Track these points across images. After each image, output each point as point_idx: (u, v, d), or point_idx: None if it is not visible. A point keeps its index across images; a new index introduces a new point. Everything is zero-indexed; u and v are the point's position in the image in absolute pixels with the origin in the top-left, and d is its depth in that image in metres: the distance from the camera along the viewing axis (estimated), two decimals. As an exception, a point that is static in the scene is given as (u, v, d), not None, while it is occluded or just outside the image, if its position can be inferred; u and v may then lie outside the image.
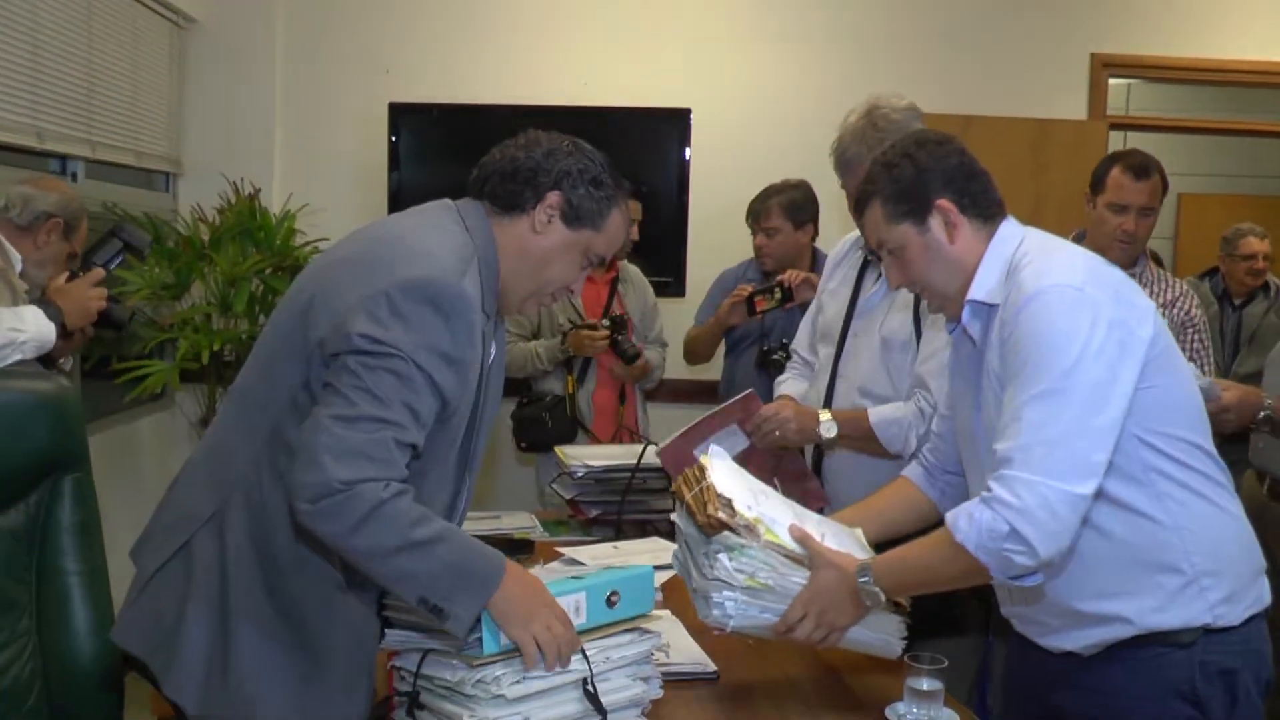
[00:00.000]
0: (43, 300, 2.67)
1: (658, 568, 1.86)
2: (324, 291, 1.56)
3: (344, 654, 1.58)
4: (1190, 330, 2.86)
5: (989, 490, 1.54)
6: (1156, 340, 1.63)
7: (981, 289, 1.69)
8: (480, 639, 1.49)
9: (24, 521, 2.14)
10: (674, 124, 4.16)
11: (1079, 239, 2.92)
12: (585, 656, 1.56)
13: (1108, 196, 2.86)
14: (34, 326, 2.58)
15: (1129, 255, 2.88)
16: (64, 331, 2.68)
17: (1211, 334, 3.06)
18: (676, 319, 4.24)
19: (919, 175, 1.73)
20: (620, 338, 3.54)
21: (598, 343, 3.53)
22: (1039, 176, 4.33)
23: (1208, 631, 1.64)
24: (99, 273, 2.80)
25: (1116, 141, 4.81)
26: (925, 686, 1.64)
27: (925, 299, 1.88)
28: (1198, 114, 5.73)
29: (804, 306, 2.96)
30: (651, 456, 2.77)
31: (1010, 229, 1.75)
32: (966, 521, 1.55)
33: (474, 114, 4.14)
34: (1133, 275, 2.80)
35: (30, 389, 2.19)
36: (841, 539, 1.82)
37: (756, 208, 3.65)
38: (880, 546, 1.91)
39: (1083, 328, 1.55)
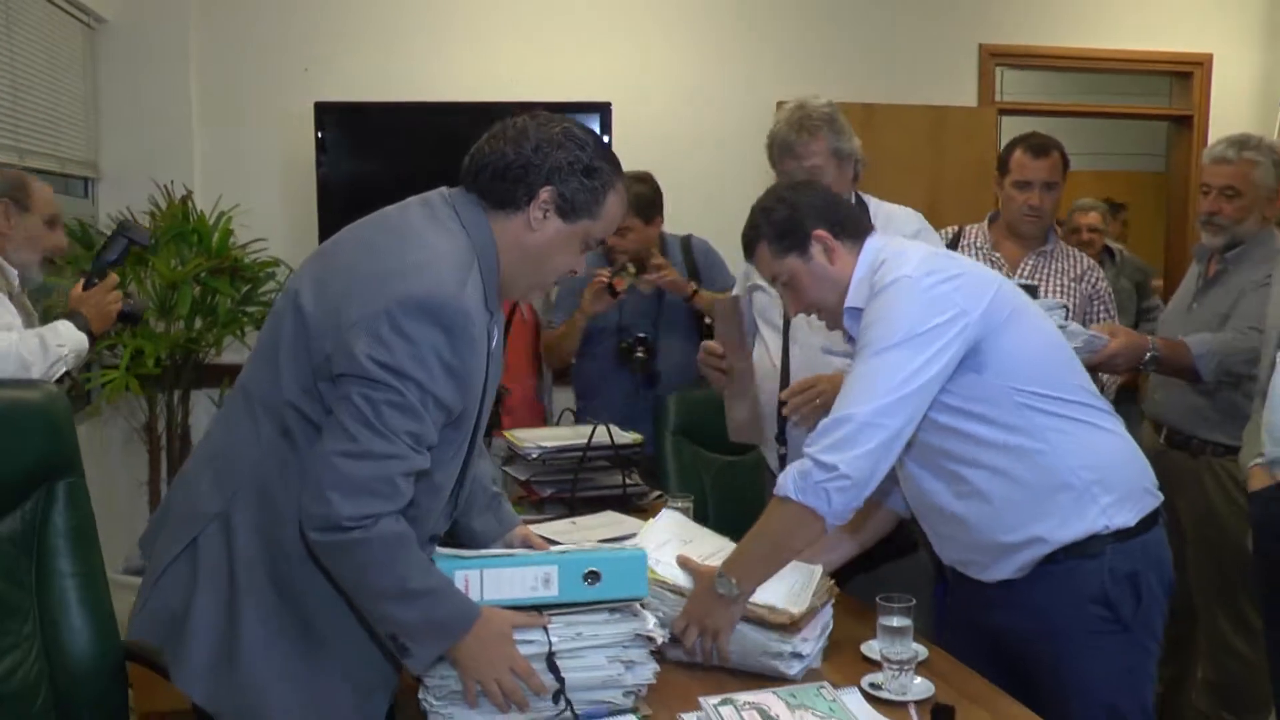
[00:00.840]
0: (71, 313, 2.77)
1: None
2: (325, 300, 1.57)
3: (351, 647, 1.63)
4: (1097, 301, 3.12)
5: (807, 442, 1.80)
6: (1000, 309, 1.87)
7: (856, 297, 1.95)
8: None
9: (21, 528, 2.17)
10: (595, 117, 4.26)
11: (993, 219, 3.19)
12: (546, 631, 1.63)
13: (1013, 176, 3.10)
14: (71, 339, 2.71)
15: (1037, 228, 3.12)
16: (93, 336, 2.82)
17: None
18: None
19: (794, 214, 1.98)
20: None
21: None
22: (936, 160, 4.59)
23: (1110, 540, 1.89)
24: (114, 278, 2.88)
25: (1005, 126, 5.12)
26: (896, 624, 1.83)
27: (822, 319, 2.08)
28: (1063, 98, 6.09)
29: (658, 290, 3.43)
30: (601, 436, 2.95)
31: (874, 243, 2.01)
32: (784, 477, 1.82)
33: (398, 112, 4.16)
34: (1044, 251, 3.10)
35: (21, 398, 2.23)
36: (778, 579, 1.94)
37: None
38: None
39: (915, 309, 1.81)
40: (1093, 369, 2.62)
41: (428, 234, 1.60)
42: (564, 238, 1.66)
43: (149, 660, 2.21)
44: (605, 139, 4.18)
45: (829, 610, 1.99)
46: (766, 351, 2.66)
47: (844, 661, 1.94)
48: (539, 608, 1.66)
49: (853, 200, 2.67)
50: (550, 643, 1.64)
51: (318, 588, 1.61)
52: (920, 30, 4.85)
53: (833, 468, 1.75)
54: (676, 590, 1.90)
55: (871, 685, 1.82)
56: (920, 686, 1.78)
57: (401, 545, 1.53)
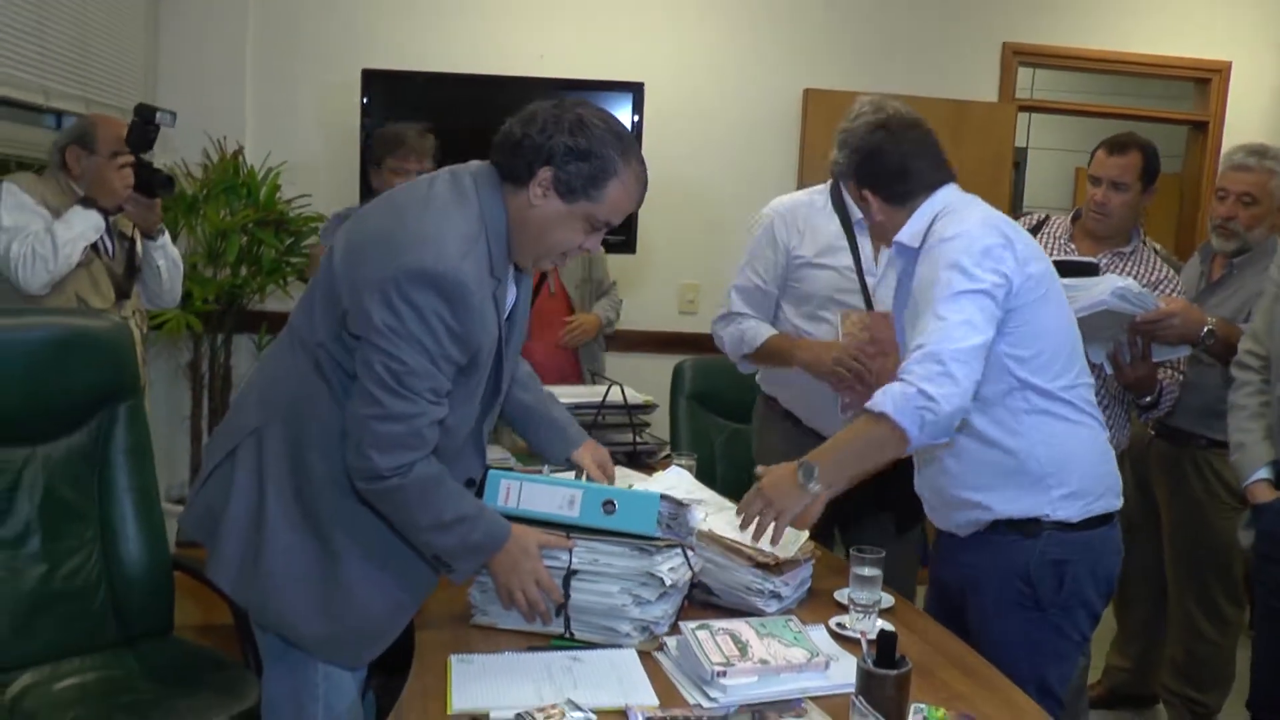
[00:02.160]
0: (82, 199, 2.95)
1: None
2: (350, 260, 1.75)
3: (364, 561, 1.81)
4: None
5: (903, 370, 1.96)
6: (1037, 286, 2.05)
7: (907, 236, 2.16)
8: None
9: (87, 443, 2.44)
10: (628, 96, 4.43)
11: (1076, 215, 3.23)
12: (570, 552, 1.89)
13: (1089, 170, 3.12)
14: (80, 224, 2.91)
15: (1103, 226, 3.07)
16: (107, 211, 3.01)
17: None
18: (629, 273, 4.63)
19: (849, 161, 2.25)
20: None
21: None
22: (955, 152, 4.51)
23: (1050, 527, 2.10)
24: (117, 157, 3.03)
25: (1023, 122, 5.25)
26: (867, 572, 2.03)
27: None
28: (1092, 99, 6.20)
29: None
30: (615, 395, 3.17)
31: (944, 194, 2.17)
32: (883, 395, 1.95)
33: (439, 82, 4.33)
34: (1121, 252, 3.08)
35: (90, 326, 2.49)
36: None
37: None
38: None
39: (971, 263, 1.99)
40: (1149, 335, 2.76)
41: (446, 205, 1.75)
42: (563, 216, 1.78)
43: (195, 571, 2.47)
44: (635, 119, 4.37)
45: (809, 567, 2.21)
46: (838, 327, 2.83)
47: (817, 605, 2.16)
48: (562, 527, 1.92)
49: None
50: (570, 562, 1.89)
51: (335, 509, 1.81)
52: (945, 26, 4.98)
53: (932, 398, 1.90)
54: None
55: (838, 625, 2.04)
56: (879, 628, 1.98)
57: (435, 484, 1.77)
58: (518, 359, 2.12)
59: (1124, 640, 3.72)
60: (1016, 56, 5.08)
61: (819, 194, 2.98)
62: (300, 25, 4.48)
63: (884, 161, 2.19)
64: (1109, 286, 2.60)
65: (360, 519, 1.82)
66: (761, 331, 2.92)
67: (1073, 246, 3.10)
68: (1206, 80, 5.28)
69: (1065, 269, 2.45)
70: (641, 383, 3.43)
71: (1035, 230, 3.14)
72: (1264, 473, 2.59)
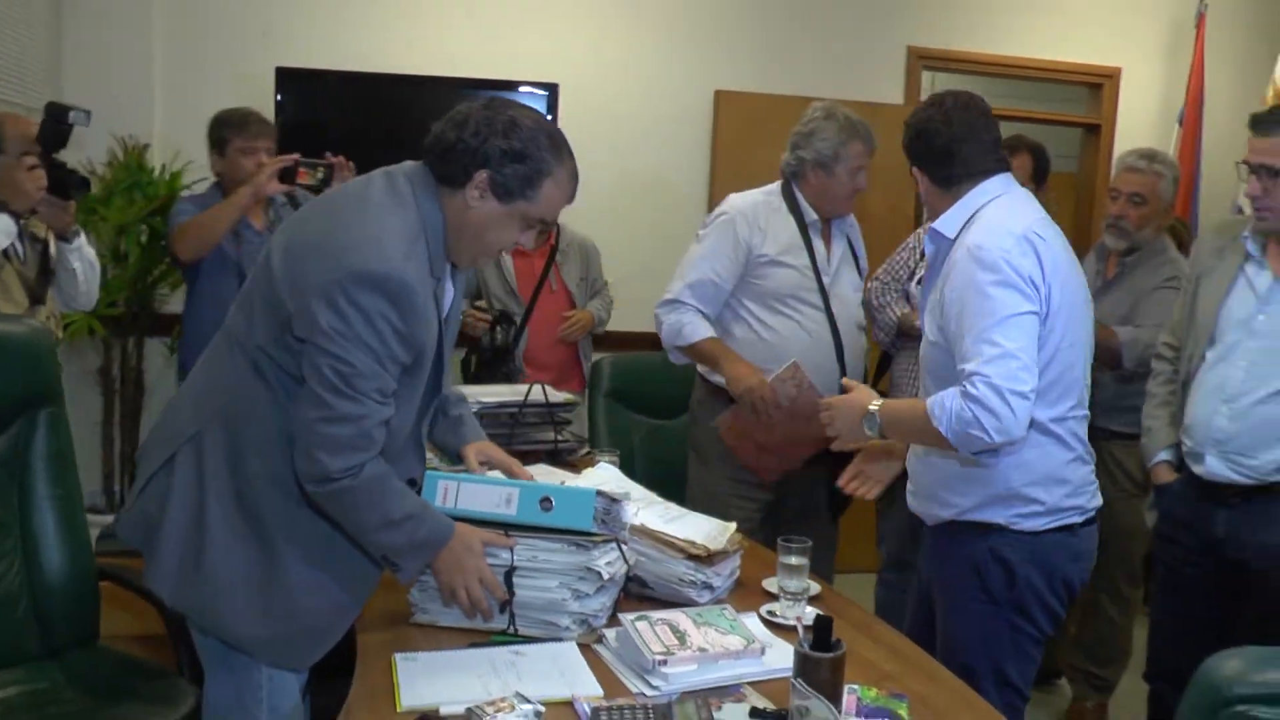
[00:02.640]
0: None
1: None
2: (290, 264, 1.75)
3: (306, 563, 1.81)
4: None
5: (963, 388, 2.01)
6: (1056, 307, 2.10)
7: (945, 225, 2.22)
8: None
9: (6, 450, 2.39)
10: (543, 96, 4.46)
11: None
12: (512, 551, 1.92)
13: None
14: None
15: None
16: (18, 214, 2.90)
17: None
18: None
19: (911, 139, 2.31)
20: (499, 327, 3.92)
21: (478, 324, 3.88)
22: None
23: (1009, 531, 2.19)
24: (26, 157, 2.91)
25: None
26: (794, 561, 2.11)
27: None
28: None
29: None
30: (536, 394, 3.21)
31: (992, 186, 2.22)
32: (939, 409, 2.03)
33: (355, 81, 4.31)
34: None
35: (8, 331, 2.43)
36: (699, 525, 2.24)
37: None
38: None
39: (1022, 283, 2.05)
40: None
41: (384, 208, 1.77)
42: (500, 217, 1.81)
43: (124, 579, 2.43)
44: (550, 118, 4.40)
45: (737, 558, 2.27)
46: (801, 325, 3.01)
47: (746, 594, 2.23)
48: (501, 525, 1.94)
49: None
50: (511, 559, 1.93)
51: (276, 511, 1.81)
52: (852, 29, 5.11)
53: (986, 430, 1.98)
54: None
55: (768, 612, 2.11)
56: (810, 614, 2.06)
57: (383, 483, 1.78)
58: (449, 358, 2.14)
59: None
60: (921, 60, 5.24)
61: (773, 195, 3.12)
62: (210, 22, 4.41)
63: (931, 141, 2.24)
64: None
65: (301, 521, 1.82)
66: (699, 330, 3.04)
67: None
68: (1099, 85, 5.52)
69: None
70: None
71: None
72: (1165, 455, 2.74)
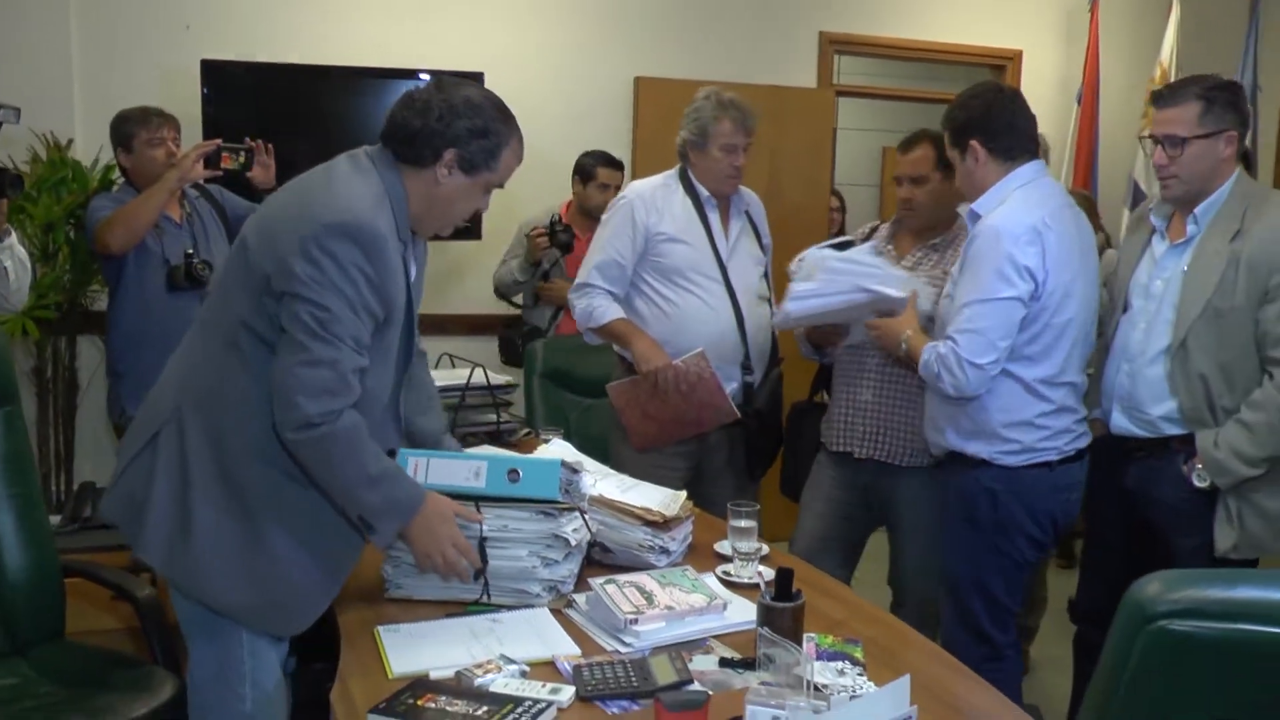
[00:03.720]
0: None
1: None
2: (265, 235, 1.86)
3: (290, 534, 1.88)
4: None
5: (946, 341, 2.52)
6: (1065, 290, 2.52)
7: (982, 203, 2.61)
8: None
9: (-37, 452, 2.37)
10: (469, 86, 4.51)
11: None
12: (481, 523, 2.01)
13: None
14: None
15: (915, 220, 3.03)
16: None
17: None
18: (472, 259, 4.75)
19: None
20: (559, 230, 4.19)
21: (539, 239, 4.21)
22: (778, 137, 4.99)
23: (986, 464, 2.59)
24: None
25: (842, 106, 5.61)
26: (743, 524, 2.25)
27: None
28: (895, 83, 6.62)
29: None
30: (478, 377, 3.31)
31: (1028, 170, 2.61)
32: (925, 354, 2.55)
33: (282, 72, 4.31)
34: (934, 246, 3.11)
35: (-37, 333, 2.42)
36: (652, 493, 2.39)
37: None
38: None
39: (1013, 270, 2.46)
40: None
41: (350, 175, 1.91)
42: (467, 189, 1.97)
43: (90, 574, 2.46)
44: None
45: (689, 524, 2.40)
46: (703, 300, 3.15)
47: (701, 558, 2.36)
48: (471, 498, 2.03)
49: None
50: (482, 530, 2.02)
51: (259, 485, 1.89)
52: (767, 16, 5.26)
53: (944, 384, 2.51)
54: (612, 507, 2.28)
55: (724, 573, 2.24)
56: (767, 572, 2.20)
57: (360, 435, 1.86)
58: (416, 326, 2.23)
59: None
60: (833, 45, 5.42)
61: (671, 178, 3.28)
62: (130, 16, 4.37)
63: (997, 116, 2.60)
64: (875, 287, 2.78)
65: (285, 493, 1.89)
66: (609, 312, 3.19)
67: (890, 246, 3.09)
68: (1001, 67, 5.77)
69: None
70: (492, 365, 3.57)
71: (866, 239, 3.22)
72: (1096, 413, 2.89)
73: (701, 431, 3.15)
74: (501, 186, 2.04)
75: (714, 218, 3.22)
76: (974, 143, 2.60)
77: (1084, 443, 2.68)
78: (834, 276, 2.77)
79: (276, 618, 1.93)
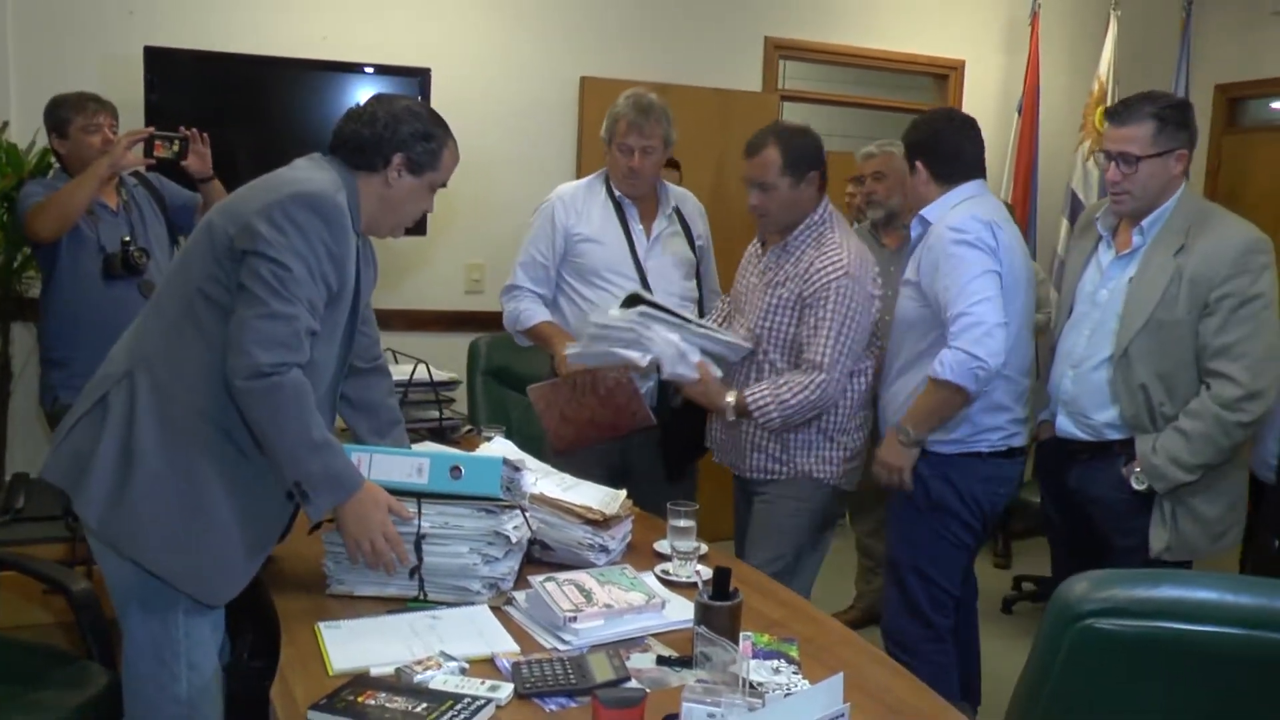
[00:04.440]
0: None
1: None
2: (230, 209, 1.97)
3: (228, 496, 1.92)
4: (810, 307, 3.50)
5: (950, 335, 2.62)
6: (1009, 282, 2.70)
7: (931, 211, 2.83)
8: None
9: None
10: (415, 81, 4.49)
11: None
12: (419, 517, 2.04)
13: None
14: None
15: (766, 226, 2.96)
16: None
17: None
18: (419, 255, 4.74)
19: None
20: None
21: None
22: (723, 140, 5.03)
23: (924, 453, 2.81)
24: None
25: (787, 111, 5.66)
26: (683, 524, 2.28)
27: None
28: (838, 88, 6.66)
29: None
30: (421, 374, 3.32)
31: (972, 187, 2.84)
32: (941, 365, 2.63)
33: (225, 62, 4.25)
34: (782, 249, 3.18)
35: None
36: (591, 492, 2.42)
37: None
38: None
39: (987, 249, 2.66)
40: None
41: (309, 168, 2.06)
42: (415, 189, 2.14)
43: (20, 566, 2.43)
44: (421, 100, 4.44)
45: (629, 523, 2.43)
46: (617, 298, 3.04)
47: (639, 557, 2.39)
48: (413, 494, 2.04)
49: (658, 181, 3.29)
50: (419, 526, 2.02)
51: (204, 445, 1.92)
52: (713, 20, 5.30)
53: (980, 358, 2.58)
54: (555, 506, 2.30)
55: (663, 571, 2.27)
56: (705, 571, 2.23)
57: (307, 396, 1.91)
58: (368, 322, 2.32)
59: (869, 571, 4.28)
60: (778, 50, 5.47)
61: (597, 180, 3.34)
62: (70, 1, 4.29)
63: (941, 142, 2.85)
64: (621, 352, 2.84)
65: (228, 456, 1.94)
66: (535, 315, 3.26)
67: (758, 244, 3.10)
68: (945, 76, 5.86)
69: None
70: (435, 361, 3.57)
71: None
72: (1044, 415, 2.99)
73: (618, 435, 3.13)
74: (444, 185, 2.20)
75: (633, 217, 3.26)
76: (919, 163, 2.83)
77: (1017, 442, 2.81)
78: (590, 344, 2.87)
79: (207, 583, 1.94)
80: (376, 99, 2.14)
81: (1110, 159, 2.68)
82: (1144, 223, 2.70)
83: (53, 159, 3.70)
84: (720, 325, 3.09)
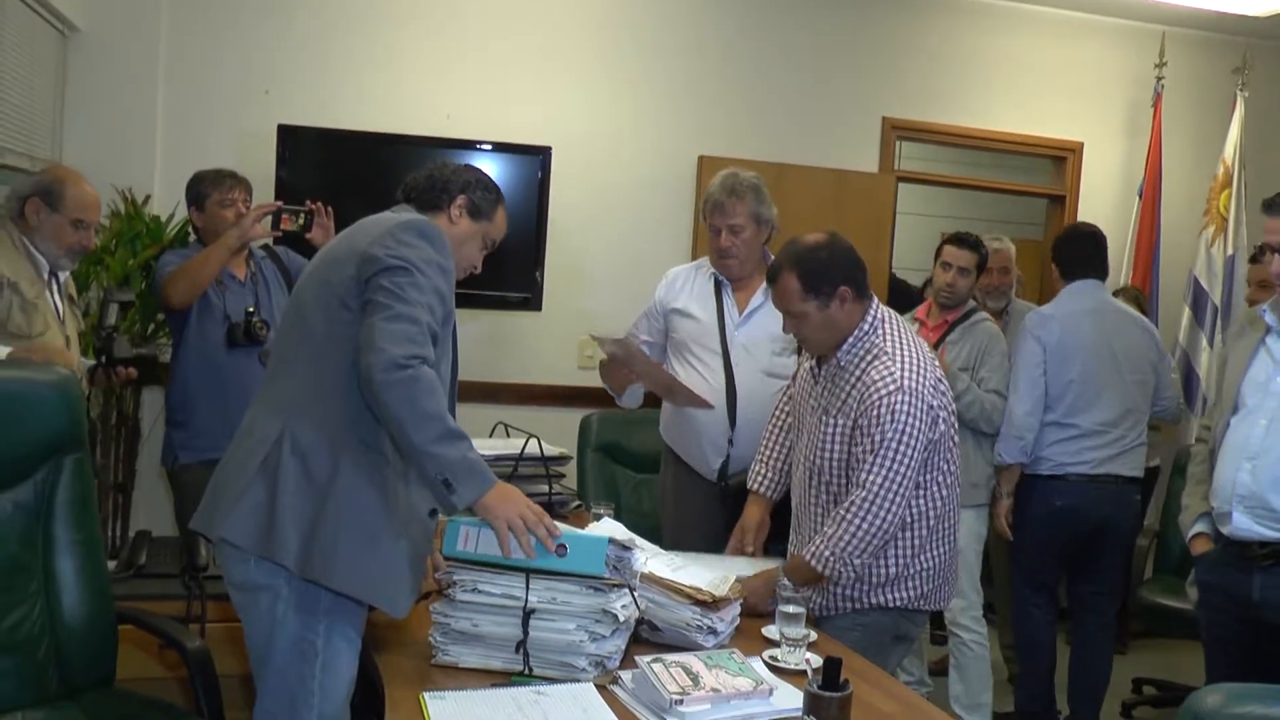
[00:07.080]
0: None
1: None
2: (333, 258, 2.13)
3: (382, 514, 2.02)
4: None
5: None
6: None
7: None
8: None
9: (31, 496, 2.45)
10: (537, 159, 4.61)
11: None
12: (527, 590, 2.04)
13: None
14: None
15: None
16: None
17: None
18: (533, 330, 4.81)
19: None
20: None
21: None
22: (839, 219, 4.99)
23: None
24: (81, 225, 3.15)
25: (902, 192, 5.63)
26: (792, 610, 2.23)
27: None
28: (956, 170, 6.63)
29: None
30: (532, 448, 3.33)
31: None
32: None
33: (351, 138, 4.46)
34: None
35: (39, 378, 2.51)
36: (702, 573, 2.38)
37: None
38: None
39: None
40: None
41: (395, 211, 2.25)
42: (472, 234, 2.32)
43: (141, 622, 2.49)
44: (540, 179, 4.59)
45: (738, 605, 2.39)
46: (700, 374, 3.22)
47: (747, 640, 2.34)
48: (516, 569, 2.05)
49: (762, 257, 3.28)
50: (527, 600, 2.02)
51: (355, 467, 2.02)
52: (831, 100, 5.32)
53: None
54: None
55: (771, 658, 2.22)
56: (814, 659, 2.18)
57: (440, 389, 1.98)
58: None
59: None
60: (895, 131, 5.46)
61: (706, 259, 3.40)
62: (214, 79, 4.53)
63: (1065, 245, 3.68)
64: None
65: (375, 465, 2.05)
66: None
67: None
68: (1063, 158, 5.77)
69: None
70: (545, 436, 3.58)
71: None
72: (1199, 527, 2.88)
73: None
74: (495, 245, 2.39)
75: (727, 292, 3.30)
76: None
77: None
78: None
79: (383, 595, 2.02)
80: (438, 164, 2.37)
81: (1274, 251, 2.61)
82: None
83: (190, 231, 3.89)
84: (778, 431, 3.02)
